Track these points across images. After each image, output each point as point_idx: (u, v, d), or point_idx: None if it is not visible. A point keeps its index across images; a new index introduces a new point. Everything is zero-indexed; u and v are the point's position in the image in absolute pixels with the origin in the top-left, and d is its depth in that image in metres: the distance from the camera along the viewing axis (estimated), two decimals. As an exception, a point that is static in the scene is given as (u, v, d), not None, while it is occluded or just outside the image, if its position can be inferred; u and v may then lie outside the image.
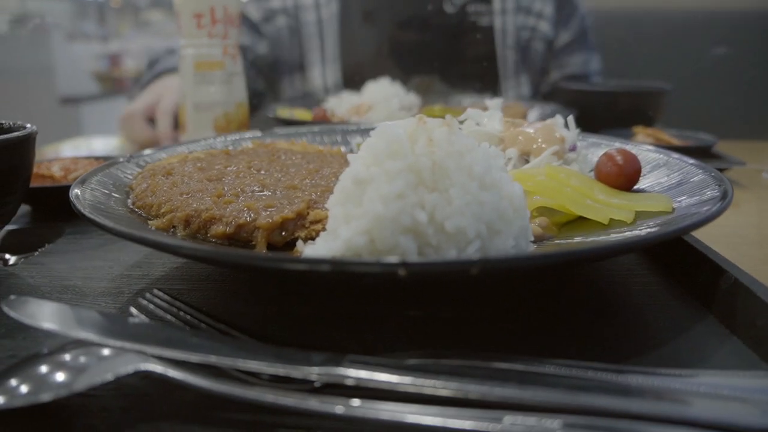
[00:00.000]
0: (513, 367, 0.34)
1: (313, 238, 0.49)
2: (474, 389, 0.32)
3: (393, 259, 0.35)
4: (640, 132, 1.17)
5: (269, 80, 1.67)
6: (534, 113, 1.24)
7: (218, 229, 0.50)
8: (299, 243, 0.49)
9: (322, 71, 1.63)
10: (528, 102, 1.42)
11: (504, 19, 1.62)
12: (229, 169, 0.65)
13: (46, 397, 0.32)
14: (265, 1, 1.66)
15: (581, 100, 1.33)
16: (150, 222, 0.54)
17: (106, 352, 0.35)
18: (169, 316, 0.44)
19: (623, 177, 0.60)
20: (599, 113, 1.30)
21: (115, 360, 0.35)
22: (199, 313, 0.45)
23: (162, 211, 0.54)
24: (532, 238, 0.46)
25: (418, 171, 0.42)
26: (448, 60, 1.64)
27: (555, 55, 1.67)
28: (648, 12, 2.00)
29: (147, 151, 0.74)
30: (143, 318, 0.44)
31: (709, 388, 0.32)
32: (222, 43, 1.07)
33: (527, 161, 0.67)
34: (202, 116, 1.08)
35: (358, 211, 0.42)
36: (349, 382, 0.33)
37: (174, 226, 0.53)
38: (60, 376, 0.33)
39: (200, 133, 1.08)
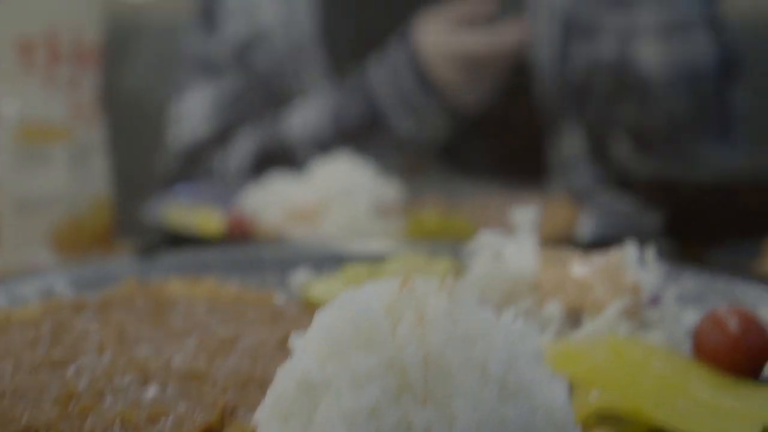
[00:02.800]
0: None
1: (229, 475, 0.52)
2: None
3: None
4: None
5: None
6: (590, 218, 1.29)
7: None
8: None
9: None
10: (585, 193, 1.48)
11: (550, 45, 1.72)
12: (86, 344, 0.68)
13: None
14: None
15: (678, 195, 1.39)
16: None
17: None
18: None
19: (740, 355, 0.60)
20: (711, 214, 1.35)
21: None
22: None
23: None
24: (589, 475, 0.50)
25: (403, 370, 0.45)
26: (452, 122, 1.72)
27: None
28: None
29: None
30: None
31: None
32: (69, 96, 1.11)
33: (579, 322, 0.71)
34: (29, 221, 1.10)
35: (307, 434, 0.45)
36: None
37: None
38: None
39: (24, 249, 1.10)
